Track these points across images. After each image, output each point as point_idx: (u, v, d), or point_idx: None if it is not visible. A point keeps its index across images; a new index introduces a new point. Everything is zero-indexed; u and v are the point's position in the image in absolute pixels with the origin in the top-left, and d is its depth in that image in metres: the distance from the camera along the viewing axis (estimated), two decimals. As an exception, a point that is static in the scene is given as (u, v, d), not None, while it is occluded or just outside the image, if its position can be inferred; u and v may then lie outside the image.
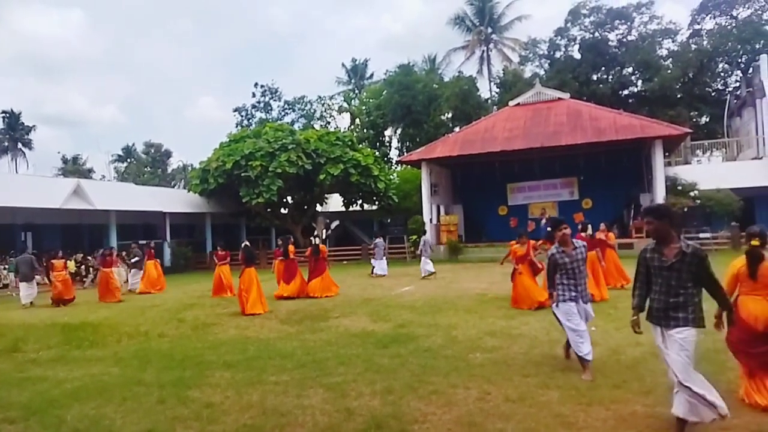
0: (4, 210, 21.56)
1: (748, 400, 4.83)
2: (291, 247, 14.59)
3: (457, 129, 33.34)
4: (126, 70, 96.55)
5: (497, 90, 41.66)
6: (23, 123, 57.27)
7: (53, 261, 15.84)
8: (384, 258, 19.57)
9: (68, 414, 5.40)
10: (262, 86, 45.48)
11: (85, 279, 22.28)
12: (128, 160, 61.85)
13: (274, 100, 45.99)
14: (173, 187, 51.81)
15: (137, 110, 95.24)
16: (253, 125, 40.36)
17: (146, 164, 60.09)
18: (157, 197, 28.84)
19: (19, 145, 57.39)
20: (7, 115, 55.98)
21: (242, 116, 45.93)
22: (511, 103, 28.24)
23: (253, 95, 45.78)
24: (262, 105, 45.88)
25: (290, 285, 13.90)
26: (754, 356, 4.88)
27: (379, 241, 20.22)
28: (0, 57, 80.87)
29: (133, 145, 62.77)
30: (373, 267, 19.39)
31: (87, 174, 53.76)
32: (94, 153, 69.61)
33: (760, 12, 36.95)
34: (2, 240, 23.63)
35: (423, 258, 17.75)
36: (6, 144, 56.52)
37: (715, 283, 4.25)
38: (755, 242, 4.97)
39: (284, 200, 29.71)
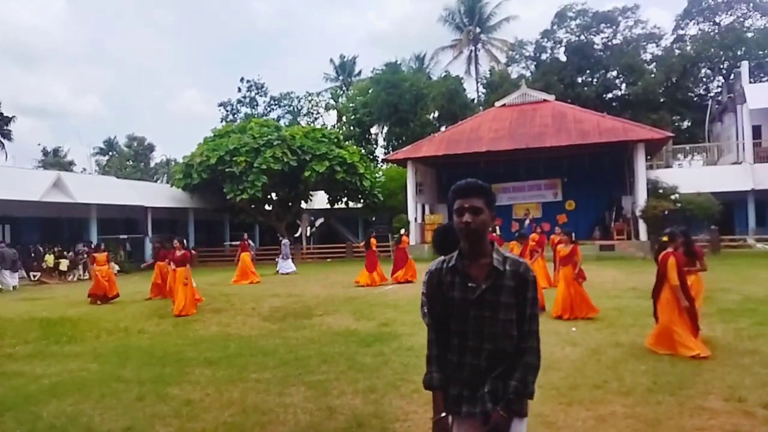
0: (-18, 202, 21.13)
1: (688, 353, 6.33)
2: (373, 240, 16.41)
3: (443, 128, 33.42)
4: (108, 61, 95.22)
5: (484, 90, 41.84)
6: (2, 113, 56.07)
7: (95, 254, 14.47)
8: (290, 258, 21.19)
9: (44, 410, 5.31)
10: (248, 81, 45.15)
11: (71, 273, 22.00)
12: (110, 153, 60.98)
13: (260, 96, 45.68)
14: (156, 181, 51.24)
15: (120, 102, 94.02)
16: (239, 120, 40.01)
17: (128, 158, 59.30)
18: (139, 191, 28.50)
19: (-2, 136, 56.22)
20: (-15, 105, 54.77)
21: (227, 111, 45.56)
22: (497, 103, 28.39)
23: (239, 90, 45.44)
24: (247, 100, 45.53)
25: (372, 274, 15.51)
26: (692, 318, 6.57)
27: (285, 241, 22.03)
28: (-21, 46, 79.18)
29: (115, 137, 61.92)
30: (278, 267, 20.88)
31: (68, 167, 52.87)
32: (76, 145, 68.73)
33: (742, 19, 37.61)
34: (-21, 232, 23.18)
35: (281, 260, 20.26)
36: (-16, 134, 55.33)
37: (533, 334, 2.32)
38: (665, 239, 6.74)
39: (269, 197, 29.54)
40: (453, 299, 2.30)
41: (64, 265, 21.92)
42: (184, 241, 12.88)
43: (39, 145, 71.08)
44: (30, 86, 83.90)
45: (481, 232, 2.29)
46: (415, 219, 25.91)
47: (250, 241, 21.21)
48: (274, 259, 28.02)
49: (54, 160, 54.63)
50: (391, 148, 36.27)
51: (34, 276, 21.47)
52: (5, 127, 56.81)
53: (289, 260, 21.27)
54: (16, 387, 6.19)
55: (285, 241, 22.14)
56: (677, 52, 36.94)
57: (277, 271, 20.80)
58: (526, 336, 2.27)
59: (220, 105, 45.88)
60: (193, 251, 16.70)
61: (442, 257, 2.44)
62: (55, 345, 8.61)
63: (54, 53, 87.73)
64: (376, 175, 31.45)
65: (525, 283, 2.27)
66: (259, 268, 18.99)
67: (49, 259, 21.97)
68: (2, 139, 56.86)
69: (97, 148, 59.94)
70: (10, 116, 57.26)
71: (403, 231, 18.68)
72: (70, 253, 23.03)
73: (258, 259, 27.47)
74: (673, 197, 22.62)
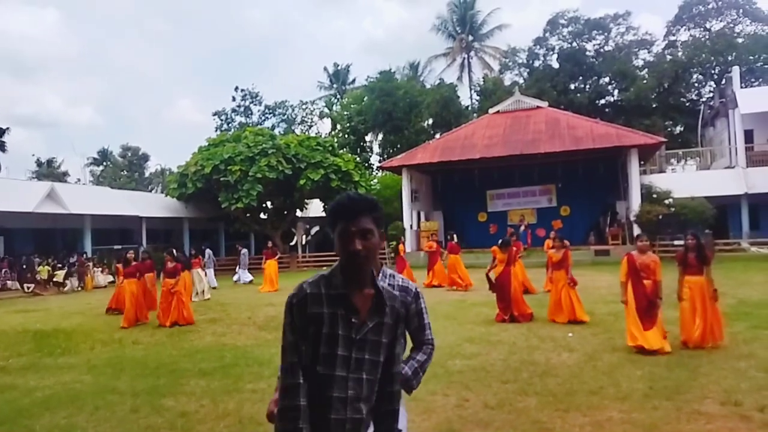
0: (-25, 213, 21.01)
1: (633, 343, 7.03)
2: (401, 246, 17.72)
3: (437, 136, 33.51)
4: (102, 71, 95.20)
5: (477, 97, 42.05)
6: (-4, 125, 55.94)
7: (118, 266, 13.89)
8: (247, 267, 21.65)
9: (38, 424, 5.26)
10: (242, 90, 45.14)
11: (65, 284, 21.85)
12: (104, 163, 60.78)
13: (255, 104, 45.68)
14: (150, 191, 51.10)
15: (114, 112, 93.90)
16: (233, 129, 40.01)
17: (123, 168, 59.14)
18: (134, 201, 28.41)
19: (-8, 148, 55.99)
20: (-21, 116, 54.66)
21: (222, 120, 45.52)
22: (491, 110, 28.53)
23: (233, 99, 45.41)
24: (242, 109, 45.51)
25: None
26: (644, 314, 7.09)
27: (245, 250, 22.76)
28: (-28, 57, 79.04)
29: (109, 148, 61.74)
30: (236, 277, 21.43)
31: (62, 177, 52.64)
32: (70, 156, 68.25)
33: (732, 25, 37.98)
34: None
35: (240, 270, 20.91)
36: (-23, 146, 55.09)
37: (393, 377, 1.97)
38: (642, 242, 7.53)
39: (264, 205, 29.49)
40: (335, 336, 1.81)
41: (60, 276, 21.77)
42: (174, 251, 12.69)
43: (33, 155, 70.85)
44: (24, 96, 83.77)
45: (371, 259, 1.88)
46: (411, 226, 25.92)
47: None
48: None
49: (48, 171, 54.39)
50: (385, 156, 36.36)
51: (28, 288, 21.32)
52: (-1, 139, 56.69)
53: (246, 270, 21.61)
54: (9, 400, 6.12)
55: (244, 250, 22.47)
56: (669, 57, 37.25)
57: (236, 281, 20.98)
58: (394, 378, 1.92)
59: (215, 114, 45.85)
60: (195, 260, 16.40)
61: (316, 276, 1.93)
62: (48, 357, 8.53)
63: (48, 63, 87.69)
64: (371, 182, 31.47)
65: (399, 318, 1.92)
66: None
67: (43, 270, 21.84)
68: (-4, 151, 56.72)
69: (91, 158, 59.76)
70: (5, 127, 57.06)
71: (402, 239, 19.22)
72: (64, 264, 22.91)
73: (252, 268, 27.46)
74: (667, 202, 22.72)
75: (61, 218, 24.33)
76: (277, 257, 18.89)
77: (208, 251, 20.72)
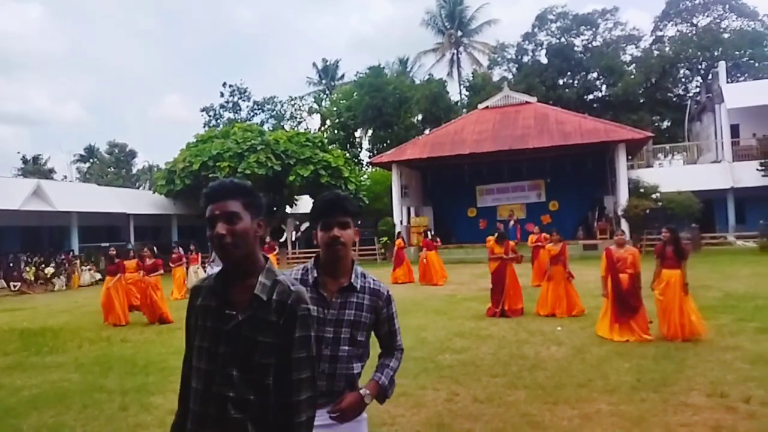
0: (-41, 211, 20.74)
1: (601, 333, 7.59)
2: (400, 242, 17.52)
3: (427, 131, 33.53)
4: (89, 67, 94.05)
5: (467, 93, 42.11)
6: (-20, 121, 55.20)
7: (125, 262, 12.60)
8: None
9: (25, 423, 5.21)
10: (230, 86, 44.82)
11: (53, 282, 21.65)
12: (91, 160, 60.15)
13: (243, 100, 45.38)
14: (138, 188, 50.63)
15: (101, 109, 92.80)
16: (222, 125, 39.74)
17: (110, 164, 58.57)
18: (121, 198, 28.18)
19: (-24, 145, 55.29)
20: (-37, 113, 53.90)
21: (210, 116, 45.18)
22: (480, 106, 28.57)
23: (222, 95, 45.08)
24: (230, 105, 45.20)
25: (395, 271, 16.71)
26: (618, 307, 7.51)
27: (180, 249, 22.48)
28: (-45, 52, 77.78)
29: (96, 144, 61.13)
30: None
31: (48, 174, 52.06)
32: (56, 153, 67.40)
33: (718, 20, 38.30)
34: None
35: (210, 266, 19.84)
36: (-39, 143, 54.38)
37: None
38: (618, 236, 7.99)
39: (253, 202, 29.32)
40: (205, 328, 1.74)
41: (49, 271, 21.54)
42: (155, 248, 12.53)
43: (18, 153, 69.97)
44: (9, 94, 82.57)
45: (240, 246, 1.72)
46: (401, 222, 25.93)
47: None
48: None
49: (34, 168, 53.77)
50: (375, 152, 36.31)
51: (15, 286, 21.10)
52: (-17, 135, 55.93)
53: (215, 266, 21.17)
54: (-4, 400, 6.06)
55: (180, 250, 21.91)
56: (656, 53, 37.51)
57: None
58: (286, 389, 1.67)
59: (203, 110, 45.51)
60: (193, 256, 16.18)
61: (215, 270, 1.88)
62: (35, 356, 8.44)
63: (33, 59, 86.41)
64: (361, 178, 31.43)
65: (293, 320, 1.68)
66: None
67: (30, 272, 21.57)
68: (-20, 148, 55.99)
69: (77, 155, 59.10)
70: (-11, 124, 56.49)
71: (401, 233, 19.17)
72: (52, 262, 22.69)
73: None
74: (654, 196, 22.92)
75: (47, 216, 24.07)
76: (276, 252, 18.87)
77: (179, 250, 20.60)
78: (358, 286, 2.23)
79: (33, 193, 22.88)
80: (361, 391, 2.20)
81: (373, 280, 2.32)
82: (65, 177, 52.57)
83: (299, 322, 1.69)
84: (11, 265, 22.39)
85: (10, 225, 24.57)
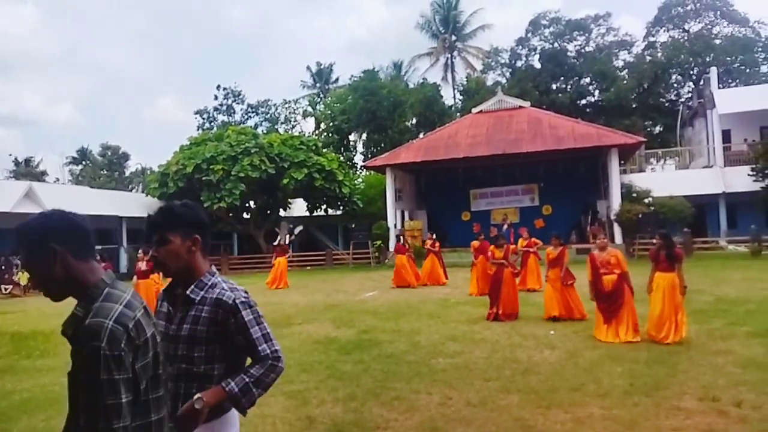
0: (-50, 213, 20.58)
1: (598, 336, 7.71)
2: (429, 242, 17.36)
3: (421, 135, 33.59)
4: (82, 69, 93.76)
5: (461, 97, 42.26)
6: (-29, 123, 54.82)
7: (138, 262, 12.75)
8: None
9: (15, 427, 5.18)
10: (224, 89, 44.78)
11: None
12: (83, 162, 59.85)
13: (237, 103, 45.34)
14: (131, 191, 50.44)
15: (93, 111, 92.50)
16: (215, 128, 39.67)
17: (102, 167, 58.29)
18: (114, 201, 28.08)
19: (-33, 146, 54.90)
20: (-46, 114, 53.50)
21: (204, 119, 45.11)
22: (474, 110, 28.66)
23: (216, 98, 45.02)
24: (224, 108, 45.15)
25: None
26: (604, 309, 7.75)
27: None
28: (-53, 54, 77.30)
29: (88, 146, 60.85)
30: None
31: (40, 177, 51.74)
32: (48, 155, 67.07)
33: (710, 26, 38.65)
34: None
35: None
36: (-48, 145, 53.97)
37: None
38: (600, 240, 8.52)
39: (247, 205, 29.29)
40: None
41: (23, 279, 21.33)
42: (150, 250, 12.35)
43: (10, 155, 69.36)
44: (1, 94, 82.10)
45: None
46: (395, 225, 25.95)
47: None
48: (251, 269, 27.86)
49: (26, 170, 53.42)
50: (369, 155, 36.33)
51: (6, 289, 20.93)
52: (-26, 137, 55.55)
53: None
54: (-14, 404, 6.01)
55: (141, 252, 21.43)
56: (648, 58, 37.78)
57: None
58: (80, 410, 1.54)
59: (197, 113, 45.43)
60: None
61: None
62: (26, 359, 8.38)
63: (25, 60, 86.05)
64: (355, 182, 31.44)
65: (85, 357, 1.55)
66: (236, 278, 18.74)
67: (23, 277, 21.37)
68: (-29, 150, 55.62)
69: (70, 157, 58.81)
70: (-20, 126, 56.12)
71: (431, 234, 18.77)
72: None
73: (235, 268, 27.25)
74: (646, 201, 23.03)
75: (39, 218, 23.93)
76: (287, 255, 19.00)
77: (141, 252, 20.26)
78: (198, 299, 2.15)
79: (25, 196, 22.80)
80: (194, 398, 2.02)
81: (223, 289, 2.17)
82: (57, 179, 52.32)
83: (90, 362, 1.52)
84: (3, 267, 22.22)
85: (1, 228, 24.40)
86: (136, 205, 29.10)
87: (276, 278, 17.92)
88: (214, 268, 2.30)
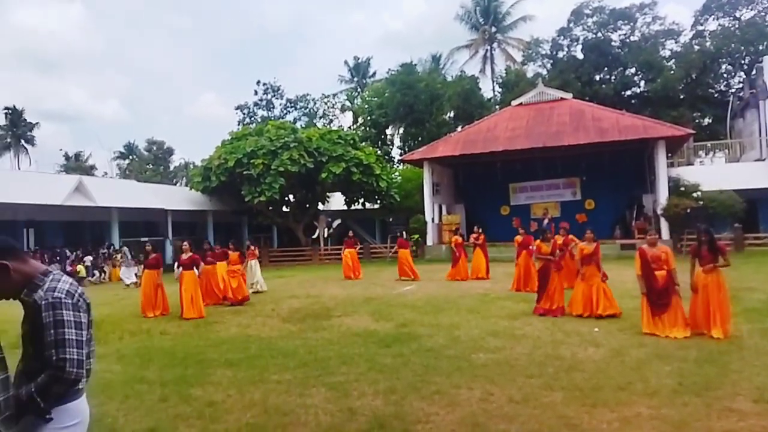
0: (7, 207, 21.57)
1: (647, 330, 7.69)
2: (456, 238, 17.22)
3: (459, 128, 33.29)
4: (127, 66, 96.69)
5: (500, 89, 41.64)
6: (26, 119, 57.28)
7: (229, 252, 13.74)
8: (132, 266, 20.62)
9: (70, 411, 5.37)
10: (264, 84, 45.42)
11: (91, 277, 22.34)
12: (130, 157, 61.80)
13: (276, 98, 45.91)
14: (175, 184, 51.80)
15: (138, 106, 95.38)
16: (255, 123, 40.29)
17: (148, 161, 60.05)
18: (159, 195, 28.86)
19: (22, 142, 57.35)
20: (10, 111, 55.93)
21: (244, 114, 45.86)
22: (514, 102, 28.22)
23: (255, 93, 45.68)
24: (264, 103, 45.78)
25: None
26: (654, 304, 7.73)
27: (125, 248, 22.13)
28: (0, 52, 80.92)
29: (135, 142, 62.80)
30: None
31: (89, 171, 53.73)
32: (96, 149, 69.40)
33: (763, 13, 36.85)
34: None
35: (123, 268, 20.02)
36: (9, 140, 56.47)
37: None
38: (650, 235, 8.33)
39: (286, 198, 29.69)
40: None
41: (82, 271, 22.18)
42: (206, 242, 12.97)
43: (61, 150, 72.36)
44: (50, 91, 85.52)
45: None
46: (432, 219, 25.85)
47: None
48: (291, 261, 28.24)
49: (76, 165, 55.55)
50: (407, 149, 36.25)
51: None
52: (29, 133, 58.04)
53: (132, 269, 20.33)
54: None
55: (125, 248, 21.42)
56: (696, 47, 36.35)
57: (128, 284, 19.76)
58: None
59: (237, 108, 46.23)
60: (252, 248, 15.71)
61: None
62: (79, 347, 8.71)
63: (73, 58, 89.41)
64: (393, 175, 31.45)
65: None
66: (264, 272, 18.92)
67: (81, 269, 22.20)
68: (26, 145, 58.11)
69: (117, 152, 60.83)
70: (34, 122, 58.52)
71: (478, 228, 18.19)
72: (89, 257, 23.39)
73: (275, 261, 27.65)
74: (695, 195, 22.27)
75: (89, 211, 24.83)
76: (357, 247, 19.24)
77: (124, 248, 20.69)
78: (30, 300, 2.27)
79: (75, 189, 23.64)
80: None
81: (42, 290, 2.26)
82: (106, 173, 54.17)
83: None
84: (57, 259, 23.18)
85: (53, 220, 25.46)
86: (181, 198, 29.89)
87: (350, 269, 18.21)
88: (50, 269, 2.41)
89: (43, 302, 2.21)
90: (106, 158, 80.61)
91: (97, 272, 23.05)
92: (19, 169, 50.54)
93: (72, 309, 2.25)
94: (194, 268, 11.87)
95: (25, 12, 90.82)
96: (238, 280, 13.12)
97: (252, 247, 15.68)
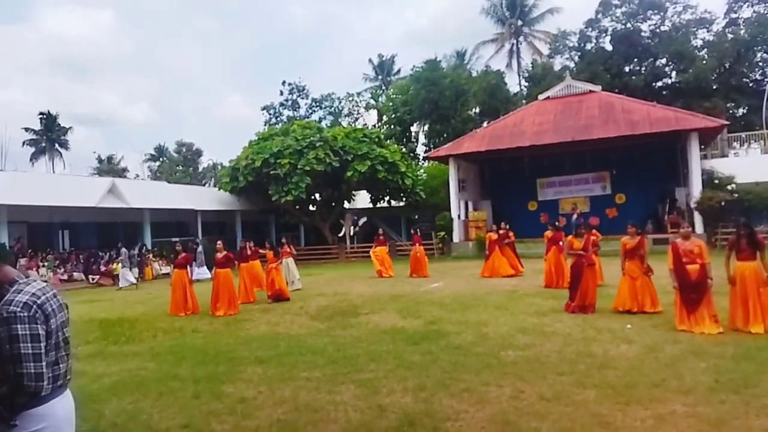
0: (43, 209, 22.23)
1: (680, 326, 7.54)
2: (490, 234, 16.88)
3: (485, 124, 33.05)
4: (155, 69, 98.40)
5: (526, 84, 41.16)
6: (59, 124, 58.77)
7: (264, 251, 14.09)
8: (128, 267, 20.45)
9: (106, 408, 5.52)
10: (289, 84, 45.79)
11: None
12: (160, 159, 62.97)
13: (302, 98, 46.25)
14: (204, 185, 52.62)
15: (167, 109, 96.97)
16: (281, 123, 40.66)
17: (178, 163, 61.07)
18: (189, 195, 29.35)
19: (56, 146, 58.90)
20: (44, 116, 57.48)
21: (270, 114, 46.32)
22: (541, 96, 27.85)
23: (281, 93, 46.13)
24: (289, 103, 46.17)
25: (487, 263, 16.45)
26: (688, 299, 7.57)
27: (124, 250, 21.29)
28: (33, 58, 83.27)
29: (164, 144, 63.94)
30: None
31: (121, 173, 54.92)
32: (128, 152, 70.79)
33: (801, -1, 35.60)
34: (40, 238, 24.39)
35: (122, 269, 19.80)
36: (44, 145, 58.05)
37: None
38: (684, 229, 8.16)
39: (312, 197, 29.91)
40: None
41: (117, 268, 22.67)
42: (244, 241, 13.33)
43: (94, 153, 73.99)
44: (82, 96, 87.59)
45: None
46: (459, 216, 25.72)
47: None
48: (318, 260, 28.43)
49: (108, 167, 56.80)
50: (432, 146, 36.12)
51: (93, 279, 22.40)
52: (63, 137, 59.60)
53: (128, 270, 20.33)
54: (80, 386, 6.43)
55: (123, 249, 21.24)
56: (730, 36, 35.28)
57: (121, 287, 19.67)
58: None
59: (263, 108, 46.73)
60: (288, 247, 15.73)
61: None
62: (114, 345, 8.94)
63: (103, 63, 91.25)
64: (418, 173, 31.38)
65: None
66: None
67: (117, 268, 22.68)
68: (60, 149, 59.69)
69: (148, 154, 62.05)
70: (68, 127, 60.08)
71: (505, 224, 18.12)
72: (121, 257, 23.87)
73: (302, 259, 27.86)
74: (729, 187, 21.67)
75: (121, 212, 25.41)
76: (387, 245, 19.18)
77: (123, 250, 20.80)
78: None
79: (108, 191, 24.22)
80: None
81: (3, 304, 2.28)
82: (137, 175, 55.32)
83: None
84: (91, 260, 23.78)
85: (87, 221, 26.12)
86: (210, 198, 30.35)
87: (383, 266, 18.05)
88: (20, 278, 2.41)
89: (5, 315, 2.25)
90: (137, 160, 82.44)
91: (137, 270, 23.46)
92: (53, 172, 52.04)
93: (28, 322, 2.26)
94: (229, 266, 12.14)
95: (57, 20, 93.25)
96: (278, 278, 13.32)
97: (287, 246, 15.45)
